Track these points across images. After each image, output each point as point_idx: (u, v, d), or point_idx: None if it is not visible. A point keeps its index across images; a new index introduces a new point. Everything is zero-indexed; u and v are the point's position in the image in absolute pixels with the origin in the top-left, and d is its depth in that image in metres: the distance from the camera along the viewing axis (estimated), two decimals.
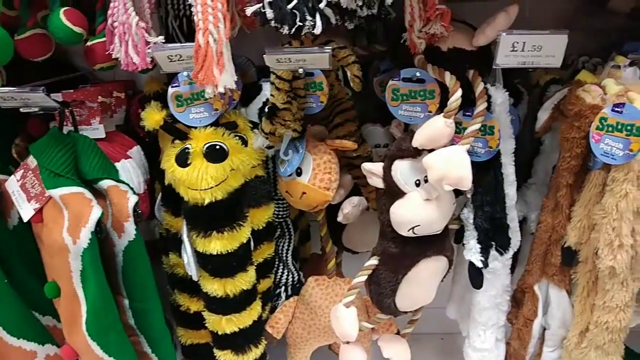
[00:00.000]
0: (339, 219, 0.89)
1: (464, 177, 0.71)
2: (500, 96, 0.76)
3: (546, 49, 0.68)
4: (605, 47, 0.96)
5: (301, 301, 0.99)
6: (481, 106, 0.75)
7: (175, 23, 0.84)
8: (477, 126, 0.74)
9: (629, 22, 0.93)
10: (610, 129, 0.71)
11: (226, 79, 0.62)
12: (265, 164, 0.87)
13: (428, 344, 1.32)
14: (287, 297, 0.99)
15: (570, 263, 0.84)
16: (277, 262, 0.98)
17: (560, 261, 0.85)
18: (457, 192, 0.79)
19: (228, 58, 0.63)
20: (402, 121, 0.80)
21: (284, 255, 0.98)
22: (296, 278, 1.01)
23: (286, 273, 1.00)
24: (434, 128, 0.72)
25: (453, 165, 0.71)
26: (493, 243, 0.84)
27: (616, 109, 0.70)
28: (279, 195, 0.90)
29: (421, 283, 0.84)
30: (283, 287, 1.00)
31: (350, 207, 0.88)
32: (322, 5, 0.63)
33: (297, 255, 1.07)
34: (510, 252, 0.86)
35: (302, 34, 0.64)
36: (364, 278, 0.84)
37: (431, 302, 0.97)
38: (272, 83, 0.77)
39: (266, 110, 0.79)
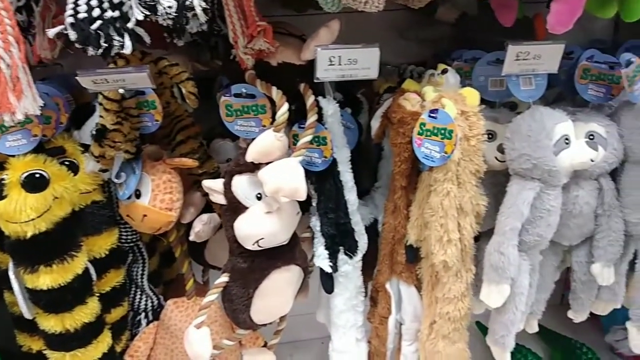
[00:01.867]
0: (191, 237, 0.87)
1: (298, 189, 0.73)
2: (330, 108, 0.79)
3: (361, 62, 0.72)
4: (436, 55, 1.03)
5: (161, 326, 0.95)
6: (312, 118, 0.77)
7: None
8: (309, 138, 0.76)
9: (455, 31, 1.01)
10: (428, 133, 0.76)
11: (27, 104, 0.58)
12: (103, 188, 0.83)
13: (309, 350, 1.34)
14: (149, 323, 0.96)
15: (414, 260, 0.89)
16: (133, 289, 0.94)
17: (405, 259, 0.90)
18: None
19: (27, 83, 0.59)
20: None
21: (139, 280, 0.94)
22: (156, 302, 0.97)
23: (144, 298, 0.96)
24: (264, 142, 0.73)
25: (286, 178, 0.72)
26: (341, 247, 0.87)
27: (432, 114, 0.76)
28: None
29: (275, 294, 0.84)
30: (143, 314, 0.96)
31: (201, 225, 0.86)
32: (130, 25, 0.61)
33: (159, 278, 1.03)
34: (359, 255, 0.89)
35: (112, 54, 0.62)
36: (214, 297, 0.82)
37: (309, 309, 0.99)
38: (100, 104, 0.74)
39: (94, 132, 0.75)
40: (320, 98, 0.79)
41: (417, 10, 1.01)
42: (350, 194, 0.85)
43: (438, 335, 0.88)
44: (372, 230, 0.95)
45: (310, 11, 0.87)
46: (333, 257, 0.86)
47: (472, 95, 0.77)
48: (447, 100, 0.75)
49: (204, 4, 0.63)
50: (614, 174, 0.88)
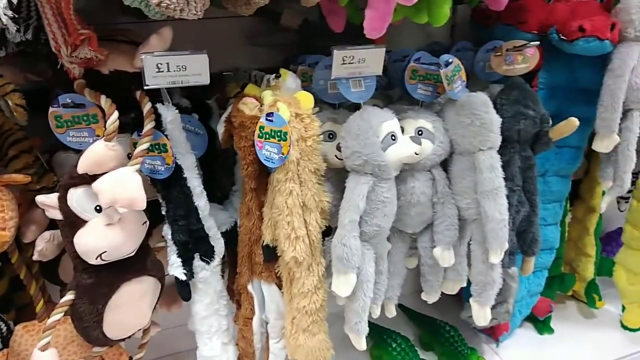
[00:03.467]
0: (35, 257, 0.83)
1: (135, 198, 0.72)
2: (169, 114, 0.79)
3: (191, 68, 0.73)
4: (287, 60, 1.07)
5: (12, 353, 0.89)
6: (148, 126, 0.77)
7: None
8: (146, 145, 0.76)
9: (300, 37, 1.06)
10: (267, 136, 0.79)
11: None
12: None
13: None
14: None
15: (271, 259, 0.91)
16: None
17: (263, 259, 0.92)
18: None
19: None
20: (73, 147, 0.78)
21: None
22: (4, 329, 0.91)
23: None
24: (95, 153, 0.72)
25: (122, 188, 0.71)
26: (197, 254, 0.87)
27: (268, 118, 0.79)
28: None
29: (128, 308, 0.82)
30: None
31: (44, 243, 0.83)
32: None
33: (10, 304, 0.97)
34: (217, 259, 0.90)
35: None
36: (59, 316, 0.79)
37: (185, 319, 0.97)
38: None
39: None
40: (158, 105, 0.79)
41: (264, 17, 1.06)
42: (200, 200, 0.85)
43: (299, 329, 0.91)
44: (233, 233, 0.97)
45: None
46: (187, 264, 0.87)
47: (306, 99, 0.81)
48: (281, 104, 0.78)
49: (10, 13, 0.61)
50: (446, 165, 0.96)
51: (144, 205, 0.73)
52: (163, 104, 0.79)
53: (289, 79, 0.88)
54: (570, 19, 0.99)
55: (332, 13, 0.86)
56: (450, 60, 0.89)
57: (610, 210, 1.35)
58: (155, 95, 0.79)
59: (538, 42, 0.96)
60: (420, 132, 0.90)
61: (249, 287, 0.95)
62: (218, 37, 1.08)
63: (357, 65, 0.81)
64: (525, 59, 0.99)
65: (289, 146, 0.77)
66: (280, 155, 0.78)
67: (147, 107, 0.77)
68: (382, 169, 0.82)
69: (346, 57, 0.80)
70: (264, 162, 0.81)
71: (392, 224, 0.99)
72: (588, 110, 1.08)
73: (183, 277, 0.85)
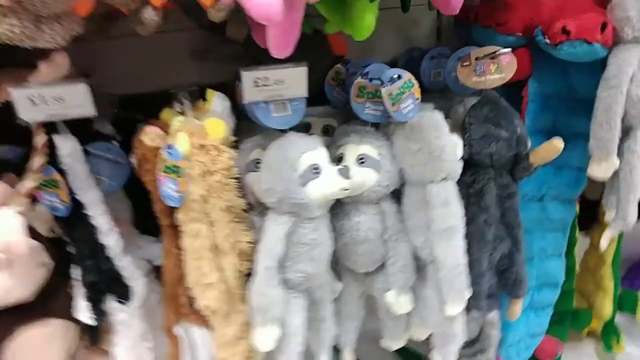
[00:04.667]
0: None
1: (12, 242, 0.65)
2: (67, 146, 0.71)
3: (71, 100, 0.64)
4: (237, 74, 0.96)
5: None
6: (37, 162, 0.69)
7: None
8: (30, 184, 0.68)
9: (244, 50, 0.95)
10: (168, 170, 0.69)
11: None
12: None
13: None
14: None
15: None
16: None
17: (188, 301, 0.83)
18: None
19: None
20: None
21: None
22: None
23: None
24: None
25: None
26: (111, 295, 0.80)
27: (169, 150, 0.69)
28: None
29: (30, 354, 0.76)
30: None
31: None
32: None
33: None
34: (136, 301, 0.82)
35: None
36: None
37: None
38: None
39: None
40: (55, 136, 0.71)
41: (209, 30, 0.96)
42: (108, 239, 0.77)
43: None
44: None
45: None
46: (96, 306, 0.79)
47: (215, 127, 0.70)
48: (182, 134, 0.68)
49: None
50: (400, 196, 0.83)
51: (23, 250, 0.66)
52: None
53: (215, 101, 0.77)
54: (556, 17, 0.82)
55: (257, 26, 0.75)
56: (396, 75, 0.75)
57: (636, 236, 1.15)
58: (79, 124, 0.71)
59: (510, 50, 0.80)
60: (362, 160, 0.77)
61: (175, 330, 0.86)
62: (172, 51, 0.99)
63: (275, 88, 0.70)
64: (499, 68, 0.83)
65: (186, 183, 0.67)
66: (179, 193, 0.68)
67: (38, 139, 0.69)
68: (301, 207, 0.70)
69: (258, 79, 0.68)
70: (165, 200, 0.71)
71: (343, 262, 0.87)
72: (589, 123, 0.90)
73: (88, 322, 0.78)
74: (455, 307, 0.78)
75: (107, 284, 0.79)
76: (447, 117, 0.89)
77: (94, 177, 0.78)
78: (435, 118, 0.76)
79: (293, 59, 0.78)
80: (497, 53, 0.81)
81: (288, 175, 0.68)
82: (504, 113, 0.82)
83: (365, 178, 0.77)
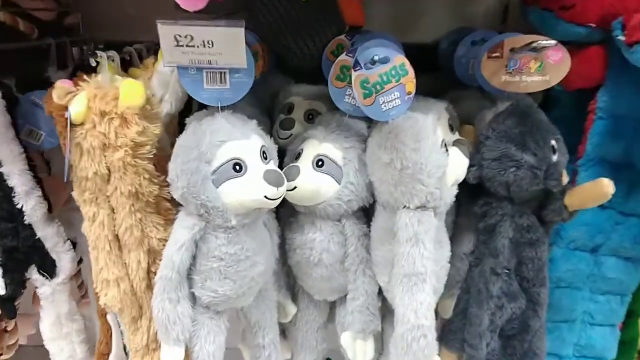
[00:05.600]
0: None
1: None
2: None
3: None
4: None
5: None
6: None
7: None
8: None
9: None
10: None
11: None
12: None
13: None
14: None
15: None
16: None
17: None
18: None
19: None
20: None
21: None
22: None
23: None
24: None
25: None
26: (33, 266, 0.71)
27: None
28: None
29: None
30: None
31: None
32: None
33: None
34: (61, 276, 0.73)
35: None
36: None
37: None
38: None
39: None
40: None
41: None
42: (27, 202, 0.67)
43: None
44: None
45: None
46: (14, 276, 0.70)
47: (130, 91, 0.56)
48: (81, 94, 0.55)
49: None
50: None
51: None
52: None
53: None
54: None
55: None
56: (379, 57, 0.55)
57: None
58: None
59: (555, 42, 0.56)
60: (320, 162, 0.59)
61: (108, 318, 0.76)
62: None
63: (203, 51, 0.54)
64: (543, 67, 0.59)
65: (80, 155, 0.55)
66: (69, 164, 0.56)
67: None
68: (212, 212, 0.54)
69: (179, 36, 0.52)
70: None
71: (300, 284, 0.70)
72: None
73: (1, 291, 0.69)
74: None
75: (27, 254, 0.70)
76: (470, 123, 0.67)
77: (32, 129, 0.69)
78: (420, 123, 0.55)
79: (287, 25, 0.62)
80: (541, 44, 0.57)
81: (196, 167, 0.52)
82: (536, 130, 0.58)
83: (318, 186, 0.59)
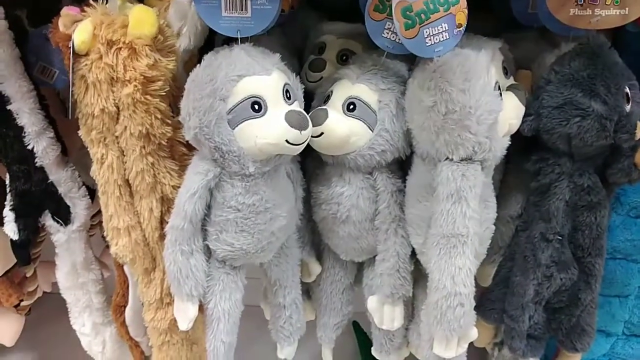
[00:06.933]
0: None
1: None
2: None
3: None
4: None
5: None
6: None
7: None
8: None
9: None
10: None
11: None
12: None
13: None
14: None
15: None
16: None
17: None
18: None
19: None
20: None
21: None
22: None
23: None
24: None
25: None
26: (47, 211, 0.68)
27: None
28: None
29: None
30: None
31: None
32: None
33: None
34: (76, 224, 0.69)
35: None
36: None
37: None
38: None
39: None
40: None
41: None
42: (38, 144, 0.63)
43: (154, 344, 0.67)
44: None
45: None
46: (27, 221, 0.67)
47: (141, 19, 0.50)
48: (86, 21, 0.49)
49: None
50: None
51: None
52: None
53: None
54: None
55: None
56: None
57: None
58: None
59: None
60: (351, 106, 0.52)
61: (125, 268, 0.73)
62: None
63: None
64: None
65: (85, 90, 0.49)
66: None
67: None
68: (227, 156, 0.48)
69: None
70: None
71: (326, 242, 0.65)
72: None
73: (13, 236, 0.66)
74: (444, 349, 0.52)
75: (41, 198, 0.67)
76: (528, 68, 0.58)
77: (45, 66, 0.64)
78: (472, 61, 0.47)
79: None
80: None
81: (210, 105, 0.46)
82: (608, 74, 0.50)
83: (347, 133, 0.52)
